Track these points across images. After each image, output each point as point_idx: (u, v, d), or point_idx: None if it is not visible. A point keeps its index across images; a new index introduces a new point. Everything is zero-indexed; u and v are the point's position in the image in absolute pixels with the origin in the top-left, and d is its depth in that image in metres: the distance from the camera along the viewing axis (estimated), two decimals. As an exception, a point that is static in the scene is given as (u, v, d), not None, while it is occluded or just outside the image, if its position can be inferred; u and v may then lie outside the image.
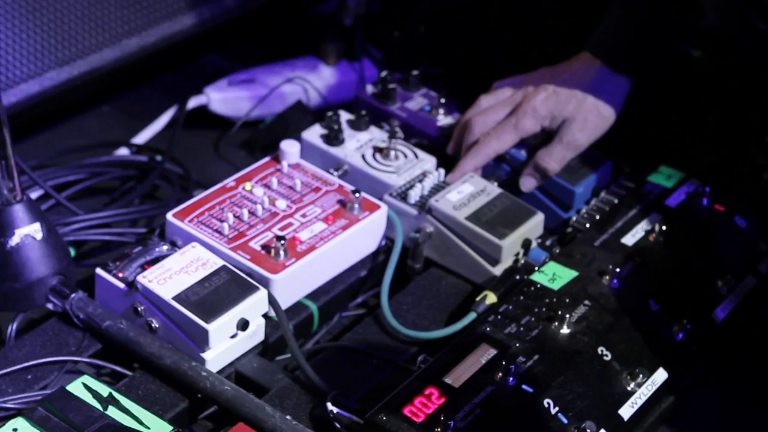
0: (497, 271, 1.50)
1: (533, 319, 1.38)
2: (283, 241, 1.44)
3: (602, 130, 1.59)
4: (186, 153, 1.83)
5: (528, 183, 1.60)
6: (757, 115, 1.69)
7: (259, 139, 1.88)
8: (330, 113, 1.64)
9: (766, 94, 1.68)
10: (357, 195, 1.51)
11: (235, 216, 1.49)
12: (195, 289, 1.37)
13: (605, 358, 1.35)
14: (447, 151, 1.63)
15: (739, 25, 1.41)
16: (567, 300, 1.41)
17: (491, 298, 1.45)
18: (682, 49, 1.74)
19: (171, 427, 1.25)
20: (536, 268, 1.46)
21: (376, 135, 1.65)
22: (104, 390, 1.29)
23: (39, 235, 1.41)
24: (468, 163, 1.59)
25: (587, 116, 1.57)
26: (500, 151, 1.59)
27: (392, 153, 1.61)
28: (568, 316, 1.37)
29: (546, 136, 1.60)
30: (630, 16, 1.56)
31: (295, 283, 1.45)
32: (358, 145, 1.63)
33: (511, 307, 1.39)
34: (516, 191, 1.58)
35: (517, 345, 1.34)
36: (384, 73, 1.73)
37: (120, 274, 1.41)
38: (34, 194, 1.66)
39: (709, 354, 1.43)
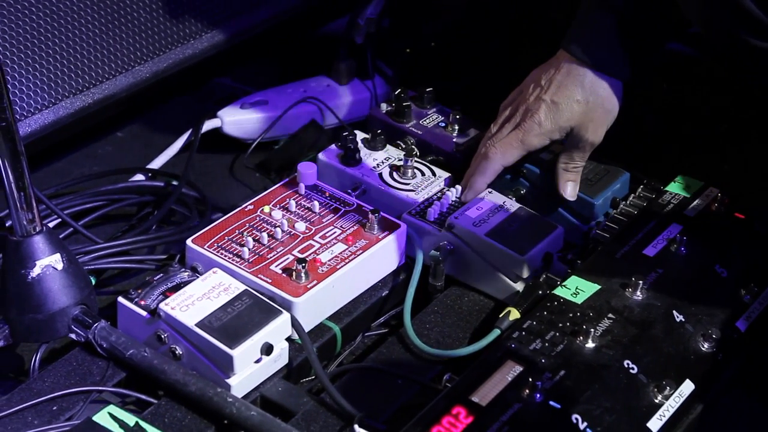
0: (519, 286, 1.50)
1: (557, 334, 1.37)
2: (304, 264, 1.43)
3: (611, 121, 1.58)
4: (201, 177, 1.83)
5: (570, 189, 1.58)
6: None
7: (274, 160, 1.88)
8: (346, 133, 1.64)
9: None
10: (376, 214, 1.51)
11: (254, 240, 1.48)
12: (218, 315, 1.37)
13: (631, 371, 1.35)
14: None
15: (728, 40, 1.39)
16: (591, 314, 1.40)
17: (514, 314, 1.44)
18: (697, 57, 1.74)
19: (199, 455, 1.26)
20: (558, 283, 1.46)
21: (392, 153, 1.65)
22: (130, 419, 1.29)
23: (60, 266, 1.41)
24: (477, 180, 1.58)
25: (594, 117, 1.56)
26: (506, 165, 1.59)
27: (409, 171, 1.61)
28: (592, 330, 1.37)
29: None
30: (616, 24, 1.53)
31: (318, 305, 1.45)
32: (374, 164, 1.63)
33: (534, 322, 1.39)
34: (535, 206, 1.58)
35: (543, 361, 1.34)
36: (398, 91, 1.73)
37: (142, 302, 1.41)
38: (52, 223, 1.66)
39: (735, 363, 1.42)
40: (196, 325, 1.36)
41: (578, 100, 1.55)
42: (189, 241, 1.49)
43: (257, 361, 1.37)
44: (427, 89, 1.75)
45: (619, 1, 1.52)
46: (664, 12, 1.52)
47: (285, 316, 1.38)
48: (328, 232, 1.51)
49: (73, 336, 1.42)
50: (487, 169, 1.58)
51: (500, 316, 1.45)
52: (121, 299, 1.42)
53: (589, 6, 1.56)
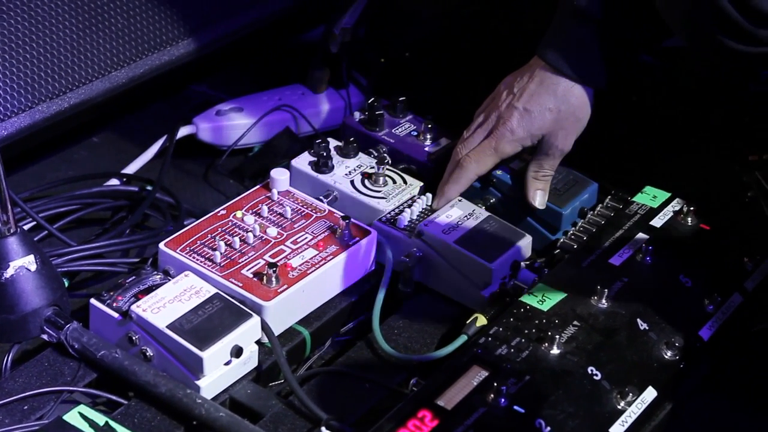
0: (487, 293, 1.51)
1: (523, 340, 1.39)
2: (274, 268, 1.45)
3: (581, 129, 1.60)
4: (176, 182, 1.85)
5: (539, 198, 1.60)
6: (740, 133, 1.71)
7: (248, 167, 1.89)
8: (318, 140, 1.66)
9: (748, 113, 1.70)
10: (347, 221, 1.53)
11: (226, 244, 1.50)
12: (189, 318, 1.39)
13: (595, 377, 1.37)
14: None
15: (708, 44, 1.41)
16: (556, 321, 1.42)
17: (481, 320, 1.46)
18: (666, 68, 1.76)
19: (168, 455, 1.27)
20: (525, 290, 1.48)
21: (364, 161, 1.67)
22: (100, 419, 1.31)
23: (33, 267, 1.42)
24: (451, 188, 1.60)
25: (565, 125, 1.58)
26: (480, 174, 1.61)
27: (381, 179, 1.63)
28: (557, 336, 1.39)
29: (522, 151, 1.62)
30: (593, 34, 1.55)
31: (288, 309, 1.46)
32: (346, 171, 1.64)
33: (501, 328, 1.41)
34: (504, 215, 1.60)
35: (508, 366, 1.36)
36: (371, 100, 1.74)
37: (114, 304, 1.42)
38: (26, 226, 1.67)
39: (697, 371, 1.45)
40: (167, 327, 1.37)
41: (550, 108, 1.57)
42: (162, 245, 1.50)
43: (227, 364, 1.39)
44: (400, 98, 1.77)
45: (597, 12, 1.54)
46: (641, 23, 1.54)
47: (255, 320, 1.40)
48: (299, 237, 1.53)
49: (45, 337, 1.43)
50: (461, 177, 1.60)
51: (467, 322, 1.47)
52: (93, 301, 1.43)
53: (564, 15, 1.57)
